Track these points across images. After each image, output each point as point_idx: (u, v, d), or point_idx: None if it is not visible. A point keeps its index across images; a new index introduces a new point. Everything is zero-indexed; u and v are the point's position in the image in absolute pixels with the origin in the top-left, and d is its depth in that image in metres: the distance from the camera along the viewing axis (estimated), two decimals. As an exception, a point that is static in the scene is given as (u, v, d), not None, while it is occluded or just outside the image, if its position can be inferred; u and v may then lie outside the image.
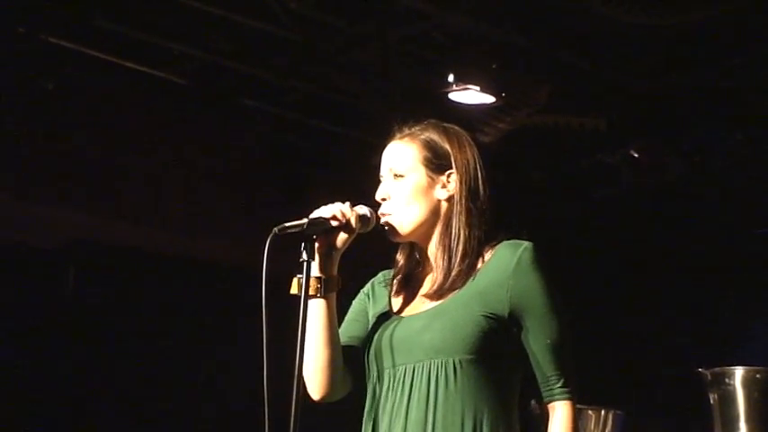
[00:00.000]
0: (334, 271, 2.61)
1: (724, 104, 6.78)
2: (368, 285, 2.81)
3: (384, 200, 2.68)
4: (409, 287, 2.72)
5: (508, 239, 2.64)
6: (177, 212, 7.11)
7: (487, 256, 2.62)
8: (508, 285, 2.55)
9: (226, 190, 7.29)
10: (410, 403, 2.53)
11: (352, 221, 2.58)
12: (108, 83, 6.71)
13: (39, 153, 6.58)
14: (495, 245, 2.63)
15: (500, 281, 2.56)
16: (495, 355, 2.53)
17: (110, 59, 6.50)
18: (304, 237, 2.53)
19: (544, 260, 2.60)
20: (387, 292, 2.75)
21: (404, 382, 2.55)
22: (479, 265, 2.61)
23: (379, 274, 2.82)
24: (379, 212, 2.66)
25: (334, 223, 2.57)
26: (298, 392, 2.43)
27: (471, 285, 2.58)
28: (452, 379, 2.50)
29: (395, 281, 2.75)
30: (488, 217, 2.66)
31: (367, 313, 2.75)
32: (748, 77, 6.46)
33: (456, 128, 2.77)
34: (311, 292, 2.52)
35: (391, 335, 2.60)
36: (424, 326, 2.56)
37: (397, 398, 2.55)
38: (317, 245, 2.56)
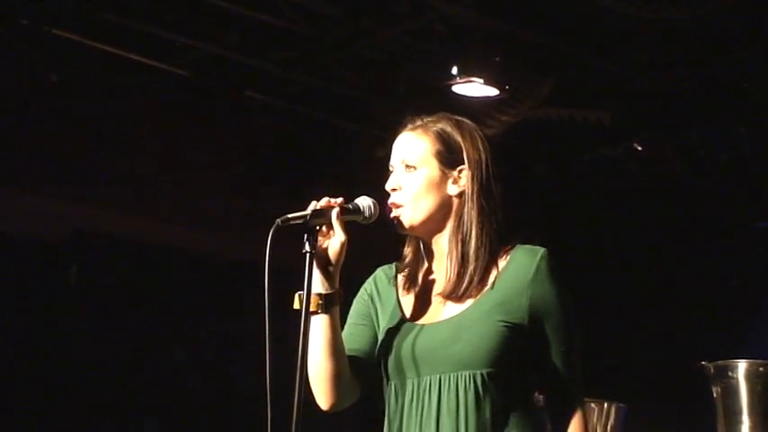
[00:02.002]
0: (336, 284, 2.59)
1: (728, 99, 6.78)
2: (369, 284, 2.77)
3: (394, 190, 2.65)
4: (420, 287, 2.69)
5: (522, 243, 2.63)
6: (181, 205, 7.10)
7: (503, 260, 2.61)
8: (527, 294, 2.55)
9: (230, 183, 7.29)
10: (440, 416, 2.52)
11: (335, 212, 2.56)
12: (112, 75, 6.71)
13: (42, 145, 6.58)
14: (510, 249, 2.62)
15: (519, 289, 2.56)
16: (517, 365, 2.54)
17: (114, 52, 6.50)
18: (307, 228, 2.52)
19: (560, 267, 2.61)
20: (393, 292, 2.72)
21: (430, 393, 2.55)
22: (495, 270, 2.60)
23: (379, 272, 2.79)
24: (389, 203, 2.65)
25: (333, 203, 2.56)
26: (300, 391, 2.43)
27: (491, 293, 2.57)
28: (481, 392, 2.51)
29: (401, 278, 2.73)
30: (500, 215, 2.65)
31: (371, 316, 2.72)
32: (752, 72, 6.46)
33: (468, 122, 2.75)
34: (312, 308, 2.51)
35: (414, 344, 2.58)
36: (451, 337, 2.54)
37: (425, 409, 2.55)
38: (320, 238, 2.55)
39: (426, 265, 2.71)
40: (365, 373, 2.67)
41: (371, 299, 2.74)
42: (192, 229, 7.24)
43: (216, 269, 7.36)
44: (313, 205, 2.56)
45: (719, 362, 4.67)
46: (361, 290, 2.76)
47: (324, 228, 2.56)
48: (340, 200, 2.59)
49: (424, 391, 2.56)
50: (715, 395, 4.66)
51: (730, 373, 4.60)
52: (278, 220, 2.49)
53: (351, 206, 2.61)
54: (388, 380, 2.64)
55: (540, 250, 2.61)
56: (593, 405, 4.96)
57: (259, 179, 7.32)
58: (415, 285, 2.69)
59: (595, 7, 5.82)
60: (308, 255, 2.51)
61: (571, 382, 2.59)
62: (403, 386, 2.60)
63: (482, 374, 2.51)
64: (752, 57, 6.32)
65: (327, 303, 2.56)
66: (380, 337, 2.67)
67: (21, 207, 6.69)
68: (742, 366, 4.60)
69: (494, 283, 2.58)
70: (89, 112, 6.74)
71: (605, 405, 5.00)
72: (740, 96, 6.76)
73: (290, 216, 2.51)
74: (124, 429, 6.95)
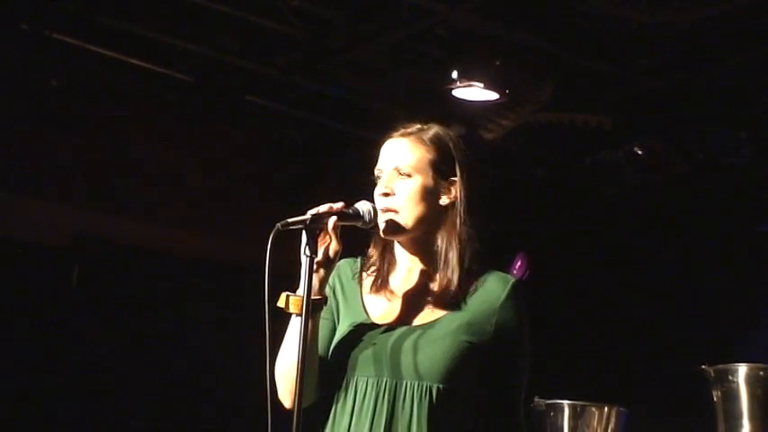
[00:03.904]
0: (323, 291, 2.60)
1: (728, 102, 6.78)
2: (332, 277, 2.73)
3: (386, 195, 2.66)
4: (389, 289, 2.70)
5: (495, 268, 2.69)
6: (181, 210, 7.11)
7: (476, 281, 2.65)
8: (494, 319, 2.61)
9: (230, 187, 7.29)
10: (393, 422, 2.54)
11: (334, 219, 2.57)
12: (112, 80, 6.72)
13: (42, 150, 6.58)
14: (484, 271, 2.67)
15: (487, 313, 2.61)
16: (471, 385, 2.58)
17: (114, 56, 6.51)
18: (307, 233, 2.53)
19: (527, 299, 2.67)
20: (358, 288, 2.73)
21: (385, 396, 2.55)
22: (468, 289, 2.63)
23: (343, 264, 2.76)
24: (379, 207, 2.65)
25: (334, 208, 2.57)
26: (299, 391, 2.44)
27: (460, 312, 2.61)
28: (435, 404, 2.53)
29: (367, 276, 2.73)
30: (482, 228, 2.68)
31: (332, 310, 2.71)
32: (752, 75, 6.46)
33: (455, 134, 2.77)
34: (296, 310, 2.52)
35: (376, 345, 2.59)
36: (414, 345, 2.56)
37: (377, 412, 2.55)
38: (320, 241, 2.56)
39: (399, 267, 2.72)
40: (330, 372, 2.65)
41: (334, 291, 2.74)
42: (192, 234, 7.24)
43: (217, 273, 7.36)
44: (314, 210, 2.56)
45: (720, 366, 4.68)
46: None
47: (322, 233, 2.57)
48: (340, 204, 2.59)
49: (379, 393, 2.56)
50: (715, 399, 4.66)
51: (731, 377, 4.61)
52: (278, 225, 2.50)
53: (351, 211, 2.61)
54: (342, 376, 2.62)
55: (512, 279, 2.67)
56: (593, 409, 4.97)
57: (260, 183, 7.32)
58: (383, 286, 2.70)
59: (596, 12, 5.82)
60: (307, 259, 2.52)
61: (510, 414, 2.63)
62: (356, 384, 2.59)
63: (438, 388, 2.53)
64: (752, 61, 6.32)
65: (313, 308, 2.55)
66: (340, 332, 2.67)
67: (22, 211, 6.69)
68: (742, 370, 4.62)
69: (466, 301, 2.62)
70: (90, 117, 6.74)
71: (606, 409, 5.01)
72: (741, 100, 6.76)
73: (290, 221, 2.52)
74: (125, 433, 6.96)
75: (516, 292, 2.64)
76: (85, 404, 6.84)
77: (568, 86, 6.62)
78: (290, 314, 2.55)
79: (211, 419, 7.16)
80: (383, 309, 2.67)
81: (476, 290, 2.63)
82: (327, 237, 2.57)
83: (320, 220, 2.55)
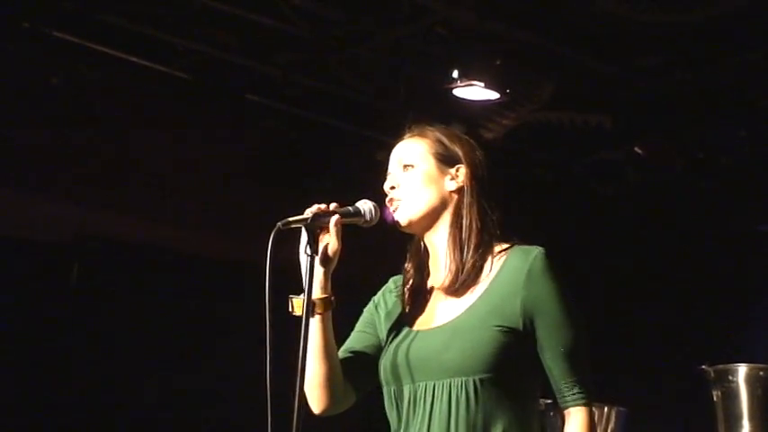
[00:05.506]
0: (327, 290, 2.60)
1: (728, 102, 6.78)
2: (378, 295, 2.81)
3: (393, 188, 2.69)
4: (420, 293, 2.71)
5: (520, 243, 2.64)
6: (181, 207, 7.10)
7: (499, 261, 2.61)
8: (521, 295, 2.54)
9: (229, 185, 7.29)
10: (431, 422, 2.53)
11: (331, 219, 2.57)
12: (112, 78, 6.71)
13: (43, 147, 6.58)
14: (506, 249, 2.63)
15: (513, 291, 2.55)
16: (513, 370, 2.53)
17: (115, 54, 6.50)
18: (308, 231, 2.53)
19: (555, 266, 2.59)
20: (399, 301, 2.74)
21: (425, 399, 2.55)
22: (491, 270, 2.60)
23: (390, 282, 2.82)
24: (387, 201, 2.68)
25: (321, 209, 2.57)
26: (300, 392, 2.44)
27: (485, 297, 2.57)
28: (473, 398, 2.50)
29: (406, 288, 2.74)
30: (497, 213, 2.67)
31: (375, 325, 2.74)
32: (752, 74, 6.46)
33: (462, 134, 2.80)
34: (300, 312, 2.51)
35: (409, 350, 2.59)
36: (444, 344, 2.54)
37: (419, 415, 2.55)
38: (320, 239, 2.57)
39: (426, 270, 2.73)
40: (361, 378, 2.68)
41: (377, 307, 2.78)
42: (192, 231, 7.24)
43: (217, 271, 7.36)
44: (313, 209, 2.57)
45: (720, 366, 4.67)
46: (371, 301, 2.80)
47: (322, 232, 2.57)
48: (334, 205, 2.60)
49: (420, 397, 2.56)
50: (715, 399, 4.66)
51: (731, 377, 4.61)
52: (279, 224, 2.50)
53: (351, 209, 2.62)
54: (388, 387, 2.64)
55: (535, 250, 2.60)
56: (593, 409, 4.96)
57: (260, 182, 7.31)
58: (417, 292, 2.71)
59: (596, 11, 5.82)
60: (308, 258, 2.52)
61: (573, 383, 2.58)
62: (400, 392, 2.60)
63: (474, 381, 2.50)
64: (751, 60, 6.32)
65: (318, 307, 2.57)
66: (384, 345, 2.69)
67: (22, 209, 6.69)
68: (742, 370, 4.61)
69: (489, 285, 2.59)
70: (90, 115, 6.73)
71: (606, 409, 5.01)
72: (740, 99, 6.76)
73: (290, 219, 2.53)
74: (124, 429, 6.95)
75: (540, 261, 2.56)
76: (85, 401, 6.84)
77: (569, 86, 6.62)
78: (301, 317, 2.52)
79: (212, 417, 7.16)
80: (416, 314, 2.68)
81: (500, 271, 2.59)
82: (326, 236, 2.57)
83: (321, 218, 2.55)
